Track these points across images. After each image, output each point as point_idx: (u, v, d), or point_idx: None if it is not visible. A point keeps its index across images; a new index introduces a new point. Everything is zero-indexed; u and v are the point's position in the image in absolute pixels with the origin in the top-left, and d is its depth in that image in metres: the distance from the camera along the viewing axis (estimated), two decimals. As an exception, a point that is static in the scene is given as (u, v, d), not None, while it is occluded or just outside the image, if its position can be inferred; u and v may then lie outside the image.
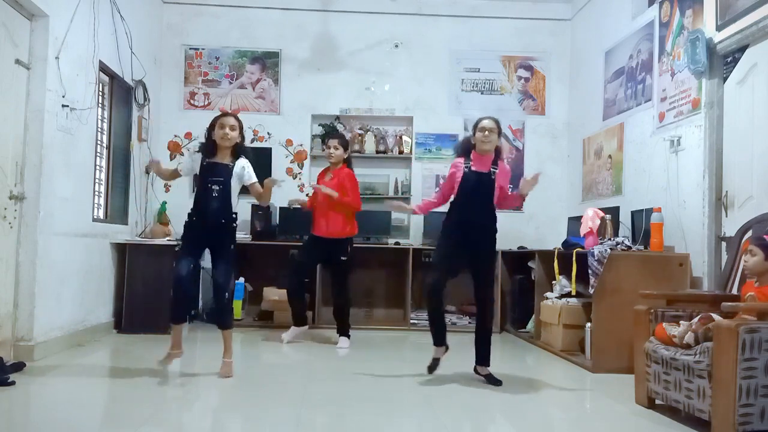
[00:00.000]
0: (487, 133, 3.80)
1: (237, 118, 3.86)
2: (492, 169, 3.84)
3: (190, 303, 3.83)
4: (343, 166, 5.14)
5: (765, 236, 3.09)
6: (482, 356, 3.91)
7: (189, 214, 3.84)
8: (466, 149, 3.94)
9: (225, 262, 3.83)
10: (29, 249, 4.06)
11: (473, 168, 3.84)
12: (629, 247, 4.45)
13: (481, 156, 3.86)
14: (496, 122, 3.87)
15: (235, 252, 3.90)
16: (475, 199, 3.83)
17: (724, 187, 4.17)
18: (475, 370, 3.95)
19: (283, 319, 5.85)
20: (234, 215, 3.83)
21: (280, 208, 6.23)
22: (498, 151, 3.90)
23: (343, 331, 5.10)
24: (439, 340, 3.94)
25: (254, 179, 3.86)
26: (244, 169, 3.83)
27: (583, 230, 4.77)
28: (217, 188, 3.75)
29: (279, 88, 6.73)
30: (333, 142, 5.11)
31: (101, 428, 2.91)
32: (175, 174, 4.02)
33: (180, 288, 3.79)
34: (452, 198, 3.91)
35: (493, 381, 3.80)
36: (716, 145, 4.21)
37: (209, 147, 3.81)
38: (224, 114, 3.89)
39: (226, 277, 3.81)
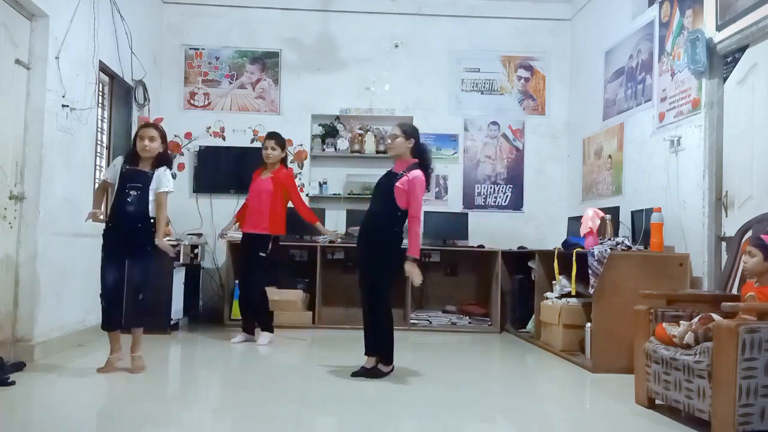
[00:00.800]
0: (389, 141, 3.96)
1: (158, 128, 3.88)
2: (399, 175, 3.91)
3: (121, 309, 3.83)
4: (280, 167, 5.17)
5: (763, 236, 3.08)
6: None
7: (106, 222, 3.87)
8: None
9: (142, 263, 3.84)
10: (29, 249, 4.06)
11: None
12: (629, 247, 4.45)
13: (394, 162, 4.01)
14: (400, 127, 3.97)
15: (152, 254, 3.88)
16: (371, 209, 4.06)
17: (724, 187, 4.17)
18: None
19: (283, 318, 5.86)
20: (151, 220, 3.84)
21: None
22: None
23: (267, 326, 5.10)
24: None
25: (163, 188, 3.86)
26: (159, 178, 3.85)
27: (583, 230, 4.77)
28: (135, 194, 3.78)
29: (279, 88, 6.73)
30: (270, 143, 5.11)
31: (101, 428, 2.92)
32: (105, 186, 4.01)
33: (108, 296, 3.82)
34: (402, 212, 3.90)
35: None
36: (716, 145, 4.21)
37: (131, 156, 3.86)
38: (145, 125, 3.90)
39: (143, 276, 3.84)
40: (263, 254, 4.99)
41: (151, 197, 3.80)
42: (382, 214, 3.87)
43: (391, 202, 3.82)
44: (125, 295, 3.87)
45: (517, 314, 6.14)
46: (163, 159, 3.90)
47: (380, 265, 3.86)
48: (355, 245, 4.04)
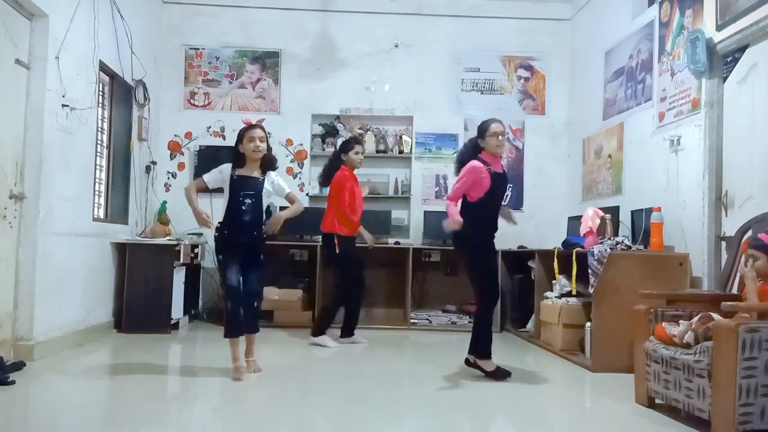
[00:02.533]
0: (500, 137, 3.87)
1: (263, 129, 3.87)
2: (504, 170, 4.00)
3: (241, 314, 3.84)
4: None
5: (761, 236, 3.08)
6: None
7: (219, 229, 3.82)
8: (475, 153, 3.91)
9: (256, 272, 3.88)
10: (29, 249, 4.06)
11: (494, 169, 3.88)
12: (629, 247, 4.45)
13: (496, 157, 3.93)
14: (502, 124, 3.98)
15: (264, 262, 3.94)
16: (500, 203, 3.95)
17: (724, 186, 4.17)
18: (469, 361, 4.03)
19: (284, 318, 5.87)
20: (263, 226, 3.87)
21: (280, 207, 6.23)
22: None
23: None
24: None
25: (287, 190, 3.91)
26: (273, 183, 3.87)
27: (583, 230, 4.77)
28: (249, 202, 3.76)
29: (279, 88, 6.73)
30: (360, 148, 5.21)
31: (101, 428, 2.92)
32: (199, 187, 3.90)
33: (237, 299, 3.76)
34: (478, 203, 3.84)
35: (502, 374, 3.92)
36: (716, 145, 4.21)
37: (237, 160, 3.81)
38: (252, 126, 3.86)
39: (260, 285, 3.93)
40: (338, 253, 5.01)
41: (264, 204, 3.84)
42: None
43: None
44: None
45: (516, 314, 6.14)
46: (269, 161, 3.87)
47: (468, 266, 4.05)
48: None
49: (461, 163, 3.96)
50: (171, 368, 4.17)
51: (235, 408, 3.23)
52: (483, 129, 3.92)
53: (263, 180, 3.82)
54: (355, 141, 5.23)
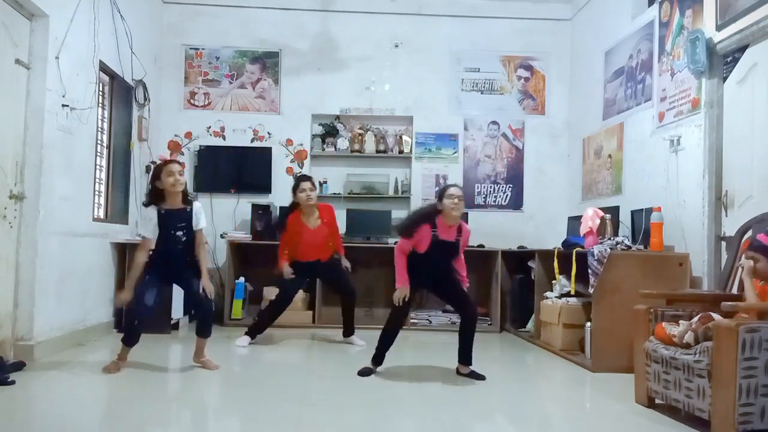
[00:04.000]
0: (457, 200, 3.82)
1: (180, 163, 3.99)
2: (457, 238, 3.93)
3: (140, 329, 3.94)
4: (318, 205, 5.14)
5: (759, 237, 3.07)
6: (466, 357, 4.03)
7: (151, 257, 3.90)
8: (430, 215, 3.91)
9: (197, 281, 3.92)
10: (29, 249, 4.06)
11: (440, 237, 3.86)
12: (629, 247, 4.45)
13: (449, 226, 3.89)
14: (461, 189, 3.95)
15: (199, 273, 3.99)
16: (438, 264, 3.95)
17: (724, 186, 4.17)
18: (459, 370, 4.05)
19: (283, 318, 5.85)
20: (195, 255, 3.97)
21: (280, 207, 6.23)
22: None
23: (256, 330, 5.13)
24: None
25: (202, 224, 3.99)
26: (197, 213, 3.97)
27: (582, 230, 4.77)
28: (181, 233, 3.89)
29: (279, 88, 6.73)
30: (307, 185, 5.01)
31: (101, 428, 2.92)
32: (145, 247, 3.92)
33: (140, 314, 3.86)
34: (414, 255, 3.91)
35: (476, 376, 3.94)
36: (716, 145, 4.21)
37: (158, 196, 3.89)
38: (169, 161, 3.95)
39: (204, 293, 3.92)
40: (348, 266, 5.18)
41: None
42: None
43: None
44: (193, 309, 4.07)
45: (516, 314, 6.14)
46: (186, 193, 3.98)
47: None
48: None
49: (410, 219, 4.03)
50: (171, 368, 4.17)
51: (236, 407, 3.23)
52: (441, 191, 3.96)
53: (190, 209, 3.95)
54: (299, 179, 5.14)
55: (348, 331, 5.24)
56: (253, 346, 4.93)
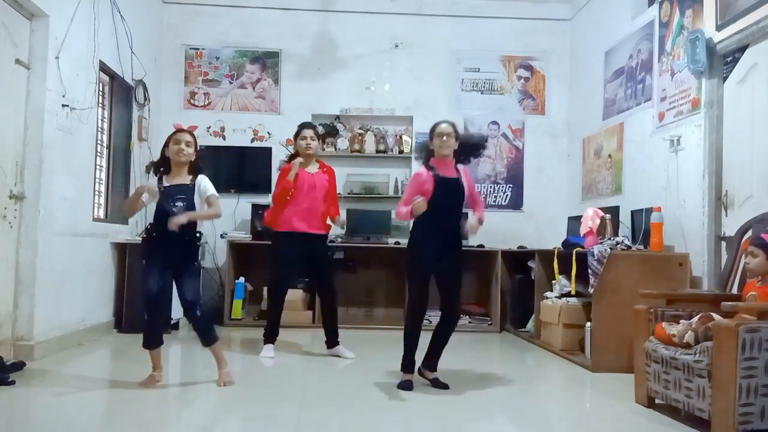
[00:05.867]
0: (445, 138, 3.65)
1: (192, 134, 3.68)
2: (459, 176, 3.72)
3: (164, 323, 3.56)
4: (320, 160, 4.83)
5: (763, 236, 3.08)
6: (435, 362, 3.79)
7: (148, 230, 3.62)
8: (428, 156, 3.77)
9: (191, 280, 3.60)
10: (29, 249, 4.06)
11: (441, 174, 3.68)
12: (629, 247, 4.45)
13: (444, 163, 3.70)
14: (453, 126, 3.73)
15: (199, 269, 3.74)
16: (450, 207, 3.71)
17: (724, 186, 4.17)
18: (421, 372, 3.79)
19: (283, 318, 5.83)
20: (198, 234, 3.64)
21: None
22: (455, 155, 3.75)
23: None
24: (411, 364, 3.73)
25: (210, 192, 3.63)
26: (200, 184, 3.61)
27: (582, 230, 4.77)
28: (181, 204, 3.52)
29: (279, 88, 6.73)
30: (309, 132, 4.61)
31: (101, 428, 2.92)
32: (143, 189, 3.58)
33: (153, 309, 3.54)
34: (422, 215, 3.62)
35: (440, 385, 3.69)
36: (716, 145, 4.21)
37: (164, 164, 3.62)
38: (180, 130, 3.68)
39: (195, 293, 3.58)
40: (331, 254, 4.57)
41: (198, 207, 3.57)
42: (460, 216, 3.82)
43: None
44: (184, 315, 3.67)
45: (516, 314, 6.14)
46: (197, 167, 3.66)
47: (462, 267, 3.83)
48: (436, 252, 3.69)
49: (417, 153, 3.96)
50: (171, 368, 4.17)
51: (235, 408, 3.23)
52: (431, 129, 3.76)
53: (193, 184, 3.61)
54: (301, 126, 4.70)
55: (332, 342, 4.68)
56: (253, 346, 4.93)
